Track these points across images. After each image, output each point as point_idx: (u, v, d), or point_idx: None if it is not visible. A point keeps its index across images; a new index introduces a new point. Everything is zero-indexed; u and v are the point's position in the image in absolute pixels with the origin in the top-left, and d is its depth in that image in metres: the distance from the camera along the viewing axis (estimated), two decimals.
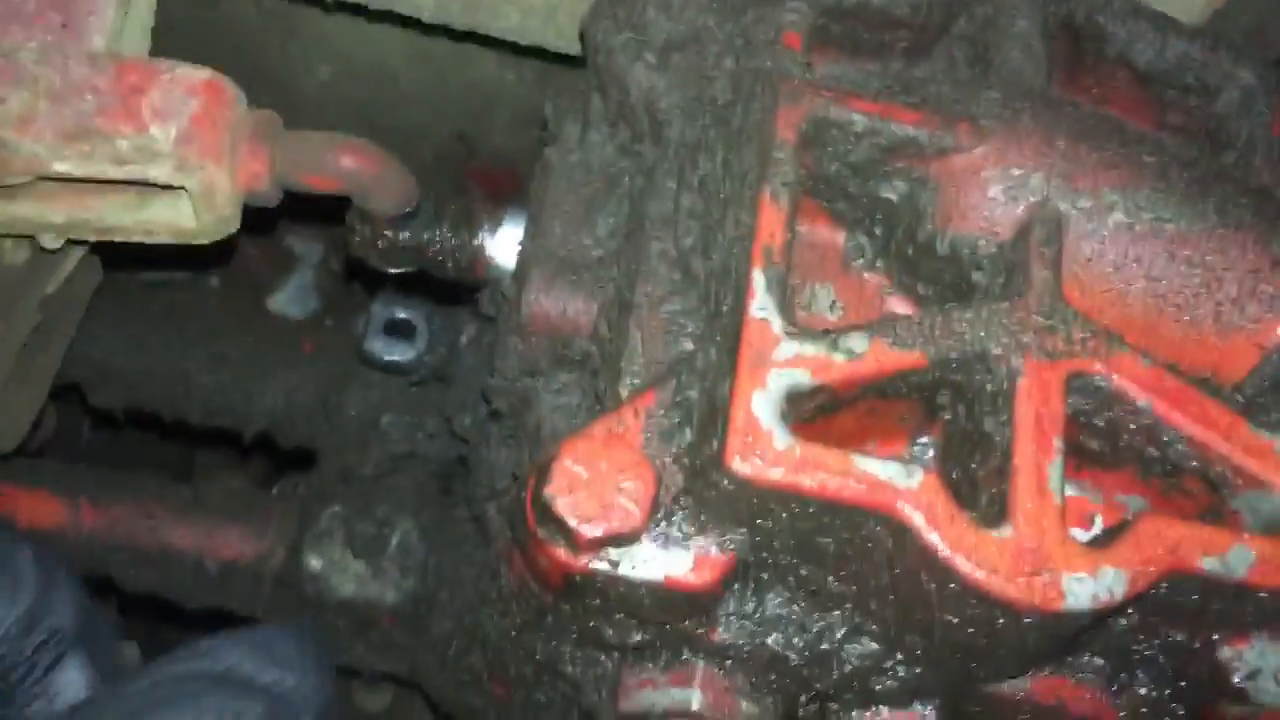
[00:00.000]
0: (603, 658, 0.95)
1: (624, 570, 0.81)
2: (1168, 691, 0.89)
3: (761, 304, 0.80)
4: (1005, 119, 0.89)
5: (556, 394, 1.02)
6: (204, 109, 0.98)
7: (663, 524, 0.82)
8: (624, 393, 0.89)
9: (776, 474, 0.76)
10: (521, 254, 1.04)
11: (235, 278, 1.88)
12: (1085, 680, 0.90)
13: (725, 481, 0.77)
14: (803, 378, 0.79)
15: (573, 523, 0.79)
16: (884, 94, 0.92)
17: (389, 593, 1.33)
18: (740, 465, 0.76)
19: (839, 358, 0.79)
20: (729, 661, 0.90)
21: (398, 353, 1.30)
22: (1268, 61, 1.00)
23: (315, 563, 1.33)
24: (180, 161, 0.96)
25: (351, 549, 1.33)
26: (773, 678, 0.90)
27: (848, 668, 0.88)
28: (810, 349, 0.79)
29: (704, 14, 0.98)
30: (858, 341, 0.80)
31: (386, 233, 1.08)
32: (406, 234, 1.09)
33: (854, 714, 0.91)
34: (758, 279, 0.81)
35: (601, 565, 0.81)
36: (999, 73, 0.94)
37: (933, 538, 0.75)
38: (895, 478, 0.76)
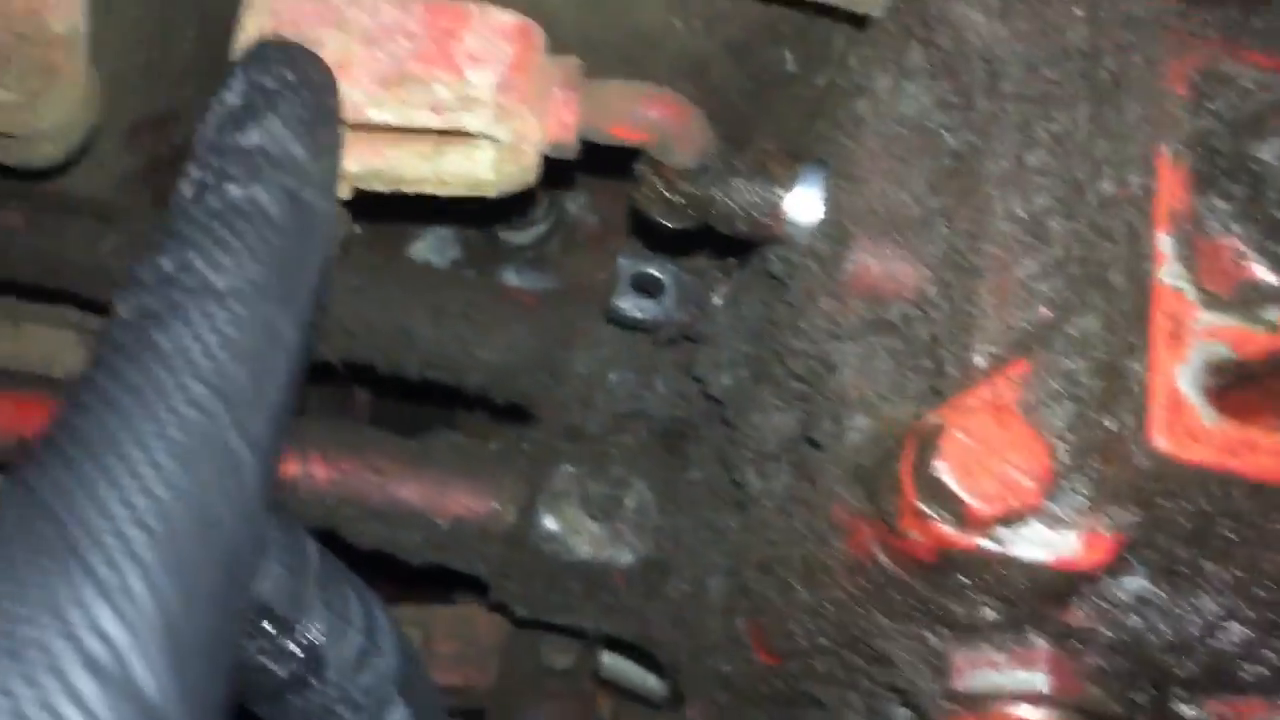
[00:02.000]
0: (930, 635, 0.91)
1: (1011, 549, 0.77)
2: None
3: (1173, 271, 0.76)
4: None
5: (864, 359, 0.98)
6: (519, 55, 0.94)
7: (1053, 502, 0.78)
8: (980, 361, 0.85)
9: (1204, 454, 0.72)
10: (834, 211, 0.99)
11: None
12: None
13: (1144, 459, 0.73)
14: (1222, 350, 0.74)
15: (966, 497, 0.75)
16: (1270, 39, 0.86)
17: (624, 555, 1.30)
18: (1165, 443, 0.72)
19: (1259, 330, 0.75)
20: (1078, 644, 0.86)
21: (646, 310, 1.26)
22: None
23: (551, 523, 1.30)
24: (497, 110, 0.93)
25: (586, 510, 1.30)
26: (1127, 662, 0.86)
27: (1212, 656, 0.84)
28: (1227, 320, 0.75)
29: None
30: (1277, 313, 0.75)
31: (681, 186, 1.04)
32: (699, 188, 1.04)
33: (1205, 701, 0.88)
34: (1166, 243, 0.77)
35: (987, 543, 0.77)
36: None
37: None
38: None
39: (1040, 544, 0.78)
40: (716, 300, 1.25)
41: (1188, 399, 0.72)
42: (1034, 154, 0.90)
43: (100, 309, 1.44)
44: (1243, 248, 0.90)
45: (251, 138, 0.78)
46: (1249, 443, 0.71)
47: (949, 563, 0.80)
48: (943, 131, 0.98)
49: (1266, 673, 0.84)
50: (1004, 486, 0.76)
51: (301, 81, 0.82)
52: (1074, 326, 0.82)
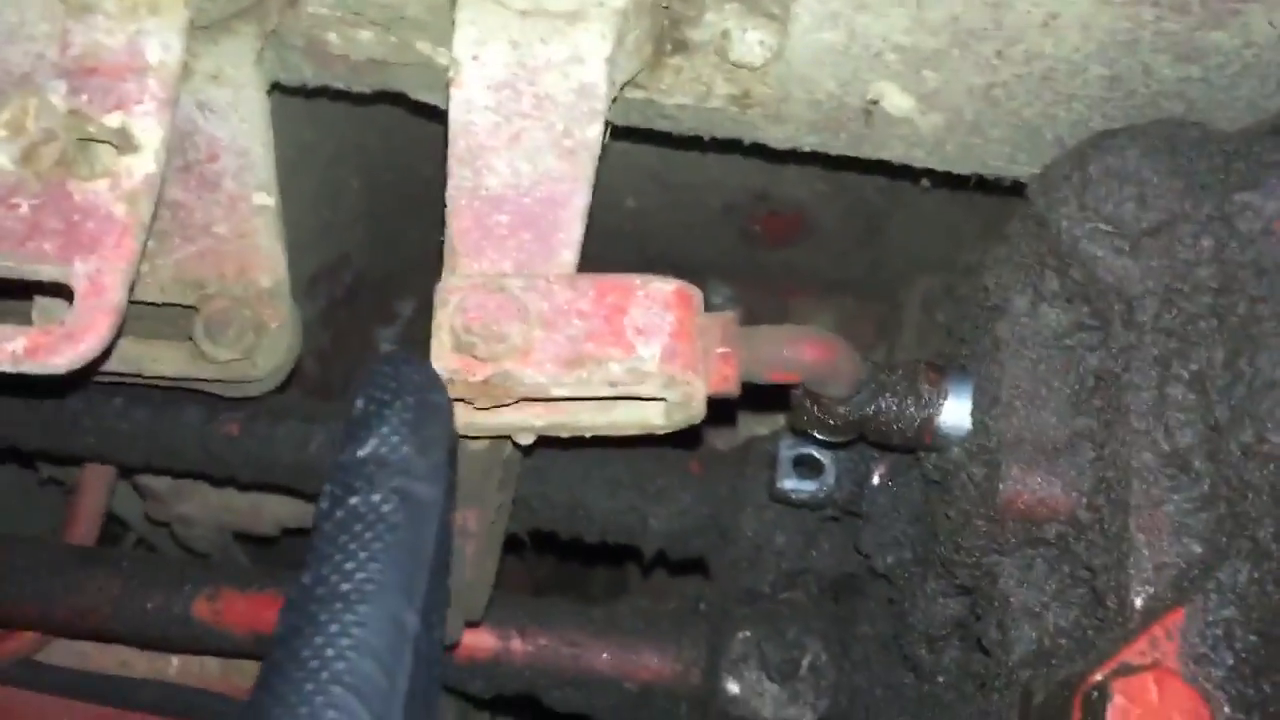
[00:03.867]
0: None
1: None
2: None
3: None
4: None
5: (1024, 570, 1.04)
6: (680, 322, 1.03)
7: None
8: (1138, 601, 0.91)
9: None
10: (982, 434, 1.06)
11: None
12: None
13: None
14: None
15: None
16: None
17: (805, 714, 1.38)
18: None
19: None
20: None
21: (808, 489, 1.34)
22: None
23: (733, 687, 1.39)
24: (667, 379, 1.02)
25: (766, 673, 1.39)
26: None
27: None
28: None
29: (1180, 199, 0.97)
30: None
31: (837, 410, 1.11)
32: (854, 410, 1.12)
33: None
34: None
35: None
36: None
37: None
38: None
39: None
40: (875, 478, 1.32)
41: None
42: (1174, 388, 0.95)
43: (312, 498, 1.58)
44: None
45: (368, 447, 0.92)
46: None
47: None
48: (1083, 352, 1.04)
49: None
50: None
51: (407, 388, 0.96)
52: (1226, 573, 0.87)
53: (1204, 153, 0.97)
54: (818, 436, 1.16)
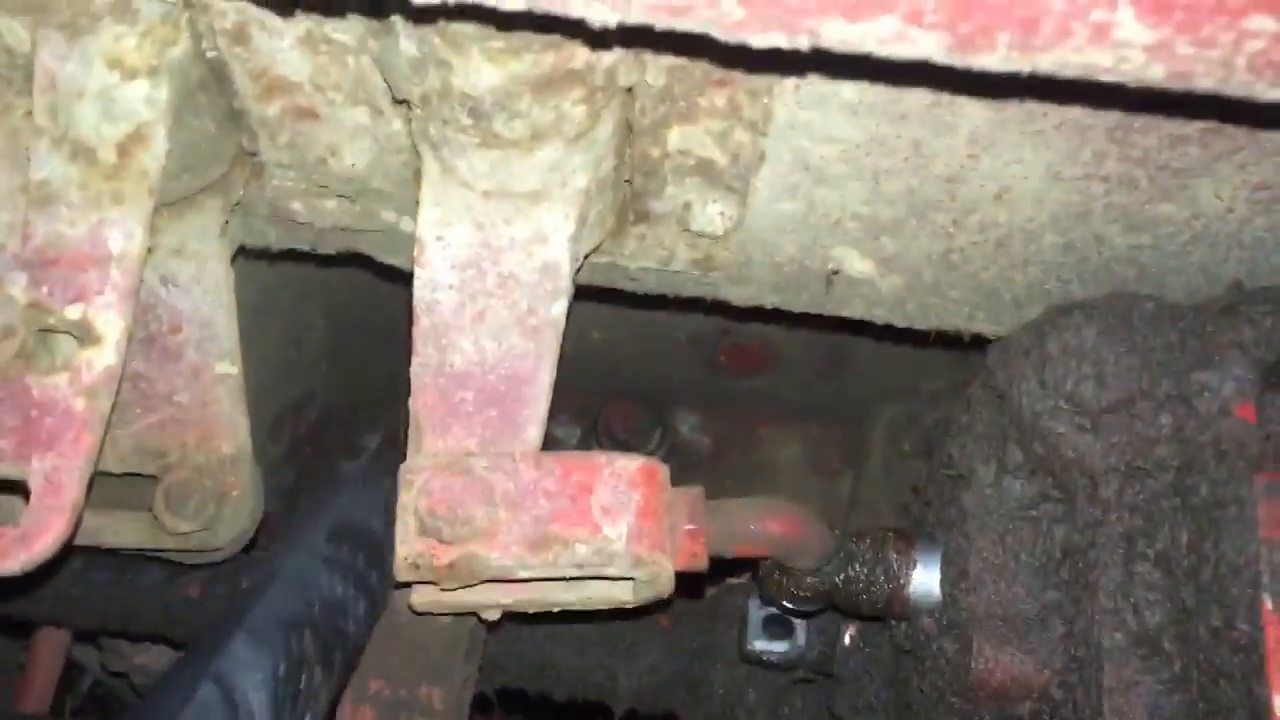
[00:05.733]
0: None
1: None
2: None
3: None
4: None
5: None
6: (646, 500, 1.03)
7: None
8: None
9: None
10: (952, 609, 1.05)
11: None
12: None
13: None
14: None
15: None
16: None
17: None
18: None
19: None
20: None
21: (778, 650, 1.33)
22: None
23: None
24: (634, 559, 1.01)
25: None
26: None
27: None
28: None
29: (1138, 377, 0.98)
30: None
31: (805, 581, 1.11)
32: (822, 580, 1.11)
33: None
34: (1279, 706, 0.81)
35: None
36: None
37: None
38: None
39: None
40: (846, 639, 1.31)
41: None
42: (1141, 566, 0.95)
43: None
44: None
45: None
46: None
47: None
48: (1049, 523, 1.04)
49: None
50: None
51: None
52: None
53: (1159, 329, 0.99)
54: (787, 606, 1.15)
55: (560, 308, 1.08)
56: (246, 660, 0.94)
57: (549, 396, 1.10)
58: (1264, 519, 0.86)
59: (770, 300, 1.34)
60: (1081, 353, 0.99)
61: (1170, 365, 0.98)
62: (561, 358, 1.10)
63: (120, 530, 1.25)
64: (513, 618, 1.14)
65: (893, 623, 1.15)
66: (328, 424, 2.24)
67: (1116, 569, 0.96)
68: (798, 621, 1.33)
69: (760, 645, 1.33)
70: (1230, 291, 1.03)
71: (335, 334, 2.10)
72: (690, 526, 1.04)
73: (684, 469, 2.12)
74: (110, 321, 0.96)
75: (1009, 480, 1.06)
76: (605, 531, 1.01)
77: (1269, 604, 0.84)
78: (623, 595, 1.08)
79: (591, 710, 1.55)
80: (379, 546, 1.06)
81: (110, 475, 1.25)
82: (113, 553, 1.36)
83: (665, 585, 1.05)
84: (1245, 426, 0.92)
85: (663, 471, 1.06)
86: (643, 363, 2.18)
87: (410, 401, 1.08)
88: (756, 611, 1.34)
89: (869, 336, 1.98)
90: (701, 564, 1.05)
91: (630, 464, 1.04)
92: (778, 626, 1.34)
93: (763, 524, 1.06)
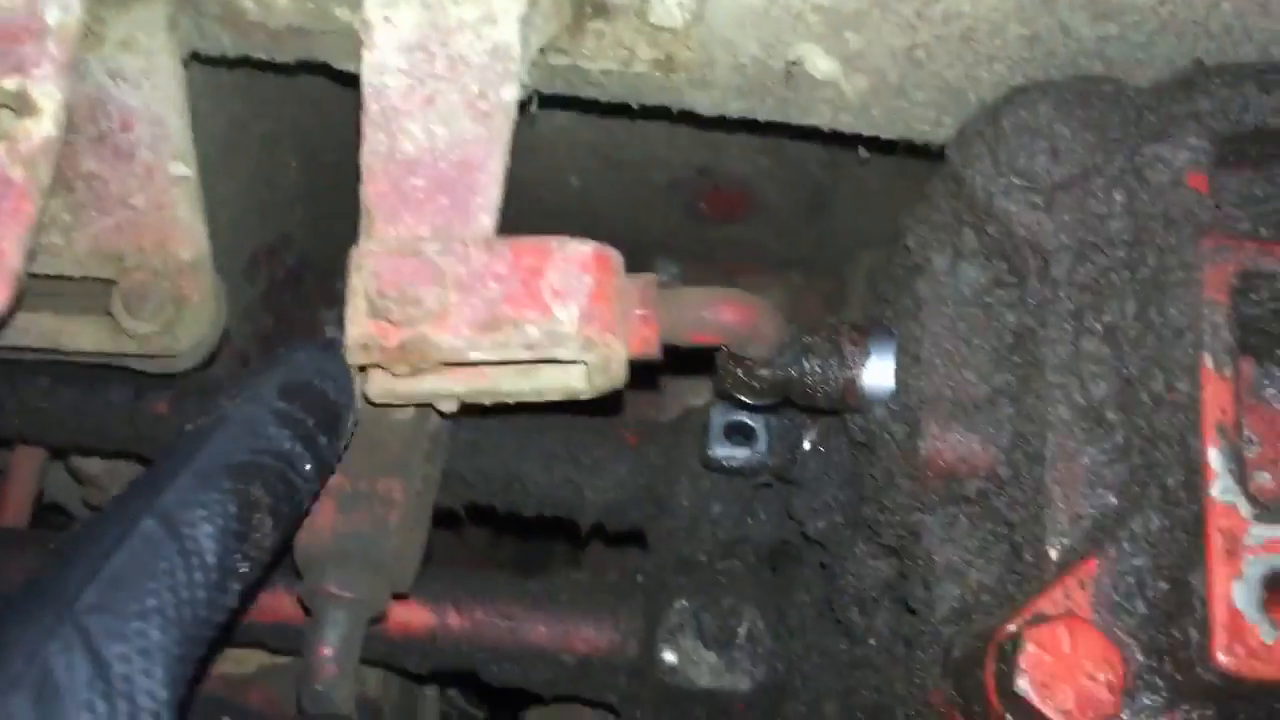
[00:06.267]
0: None
1: None
2: None
3: (1224, 486, 0.81)
4: None
5: (947, 527, 1.04)
6: (598, 284, 1.02)
7: (1130, 703, 0.83)
8: (1053, 553, 0.91)
9: (1267, 670, 0.76)
10: (904, 393, 1.05)
11: None
12: None
13: (1209, 675, 0.78)
14: (1276, 562, 0.79)
15: (1046, 713, 0.81)
16: None
17: (742, 681, 1.38)
18: (1228, 661, 0.77)
19: None
20: None
21: (740, 456, 1.33)
22: None
23: (670, 656, 1.39)
24: (585, 342, 1.01)
25: (703, 641, 1.38)
26: None
27: None
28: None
29: (1092, 153, 0.97)
30: None
31: (759, 372, 1.11)
32: (777, 372, 1.11)
33: None
34: (1214, 458, 0.81)
35: None
36: None
37: None
38: None
39: None
40: (806, 444, 1.32)
41: (1247, 617, 0.77)
42: (1089, 342, 0.95)
43: None
44: None
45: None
46: None
47: None
48: (1002, 309, 1.04)
49: None
50: (1083, 699, 0.81)
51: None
52: (1138, 523, 0.87)
53: (1116, 106, 0.97)
54: (742, 400, 1.15)
55: (511, 93, 1.06)
56: (192, 500, 0.89)
57: (502, 184, 1.08)
58: (1208, 281, 0.86)
59: (734, 107, 1.32)
60: (1035, 128, 0.97)
61: (1126, 141, 0.96)
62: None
63: (79, 334, 1.25)
64: (475, 415, 1.15)
65: (848, 417, 1.15)
66: (306, 271, 2.23)
67: (1064, 345, 0.96)
68: (759, 428, 1.33)
69: (722, 451, 1.33)
70: (1190, 68, 1.01)
71: (311, 177, 2.07)
72: (642, 311, 1.04)
73: None
74: (48, 94, 0.95)
75: (964, 266, 1.05)
76: (556, 313, 1.01)
77: (1208, 362, 0.84)
78: (577, 384, 1.08)
79: (559, 526, 1.57)
80: (333, 413, 1.04)
81: (69, 280, 1.24)
82: (80, 370, 1.37)
83: (618, 372, 1.05)
84: (1196, 196, 0.91)
85: (615, 258, 1.05)
86: (622, 210, 2.16)
87: (360, 189, 1.06)
88: (719, 419, 1.35)
89: (848, 182, 1.97)
90: (654, 350, 1.05)
91: (583, 248, 1.04)
92: (739, 434, 1.35)
93: (716, 311, 1.05)
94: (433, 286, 1.00)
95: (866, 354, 1.10)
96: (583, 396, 1.10)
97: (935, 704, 0.97)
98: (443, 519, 1.56)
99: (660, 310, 1.05)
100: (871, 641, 1.22)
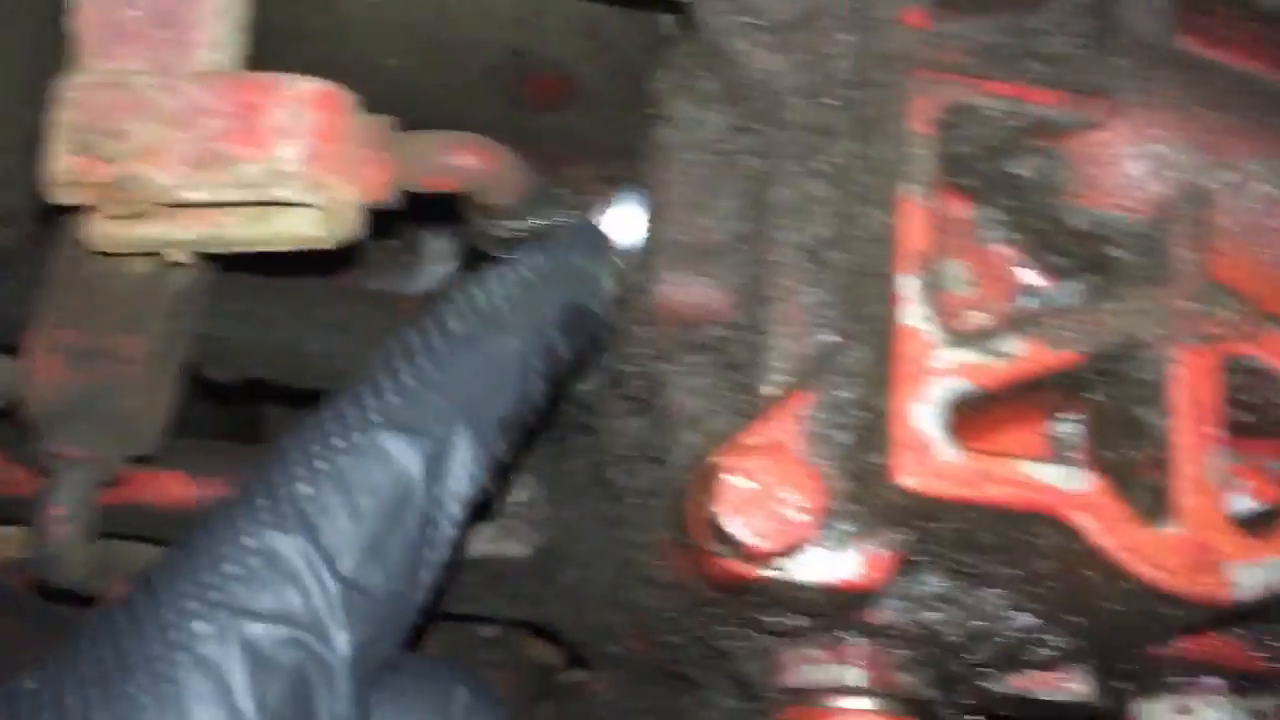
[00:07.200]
0: (758, 637, 0.99)
1: (796, 576, 0.84)
2: None
3: (914, 311, 0.81)
4: (1141, 91, 0.88)
5: (687, 376, 1.04)
6: (323, 122, 0.98)
7: (830, 529, 0.84)
8: (770, 390, 0.91)
9: (945, 487, 0.78)
10: (644, 240, 1.04)
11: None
12: (1237, 634, 0.93)
13: (894, 496, 0.79)
14: (962, 385, 0.80)
15: (745, 539, 0.82)
16: (1012, 63, 0.90)
17: (517, 547, 1.37)
18: (908, 480, 0.78)
19: (996, 362, 0.80)
20: (887, 639, 0.93)
21: None
22: None
23: None
24: (307, 181, 0.97)
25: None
26: (930, 651, 0.93)
27: (1004, 641, 0.91)
28: (966, 355, 0.80)
29: None
30: (1013, 344, 0.81)
31: (504, 223, 1.08)
32: (524, 221, 1.09)
33: (1006, 679, 0.95)
34: (907, 285, 0.82)
35: (774, 574, 0.84)
36: (1122, 32, 0.92)
37: (1101, 538, 0.77)
38: (1064, 483, 0.78)
39: (822, 569, 0.84)
40: None
41: (929, 436, 0.78)
42: (814, 184, 0.95)
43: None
44: (1018, 255, 0.96)
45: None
46: (985, 473, 0.77)
47: (746, 589, 0.87)
48: (743, 155, 1.02)
49: (1051, 654, 0.92)
50: (779, 524, 0.82)
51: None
52: (849, 357, 0.88)
53: None
54: (494, 254, 1.13)
55: None
56: (461, 458, 0.85)
57: (232, 19, 1.03)
58: (914, 113, 0.85)
59: None
60: None
61: None
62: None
63: None
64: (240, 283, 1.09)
65: None
66: None
67: (792, 187, 0.95)
68: None
69: None
70: None
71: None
72: (374, 153, 1.00)
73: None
74: None
75: (706, 113, 1.03)
76: (277, 151, 0.96)
77: (908, 192, 0.84)
78: (311, 230, 1.04)
79: None
80: (594, 344, 1.01)
81: None
82: None
83: (352, 217, 1.01)
84: (914, 33, 0.90)
85: (347, 97, 1.01)
86: (441, 96, 2.09)
87: (69, 19, 1.00)
88: None
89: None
90: (387, 195, 1.02)
91: (309, 85, 0.99)
92: None
93: (454, 154, 1.02)
94: (143, 122, 0.95)
95: (610, 204, 1.08)
96: (325, 245, 1.06)
97: (659, 549, 0.98)
98: (209, 390, 1.51)
99: (394, 153, 1.01)
100: (631, 499, 1.22)
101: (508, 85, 2.08)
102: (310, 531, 0.77)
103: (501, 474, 0.92)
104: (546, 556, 1.38)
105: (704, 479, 0.84)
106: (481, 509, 0.94)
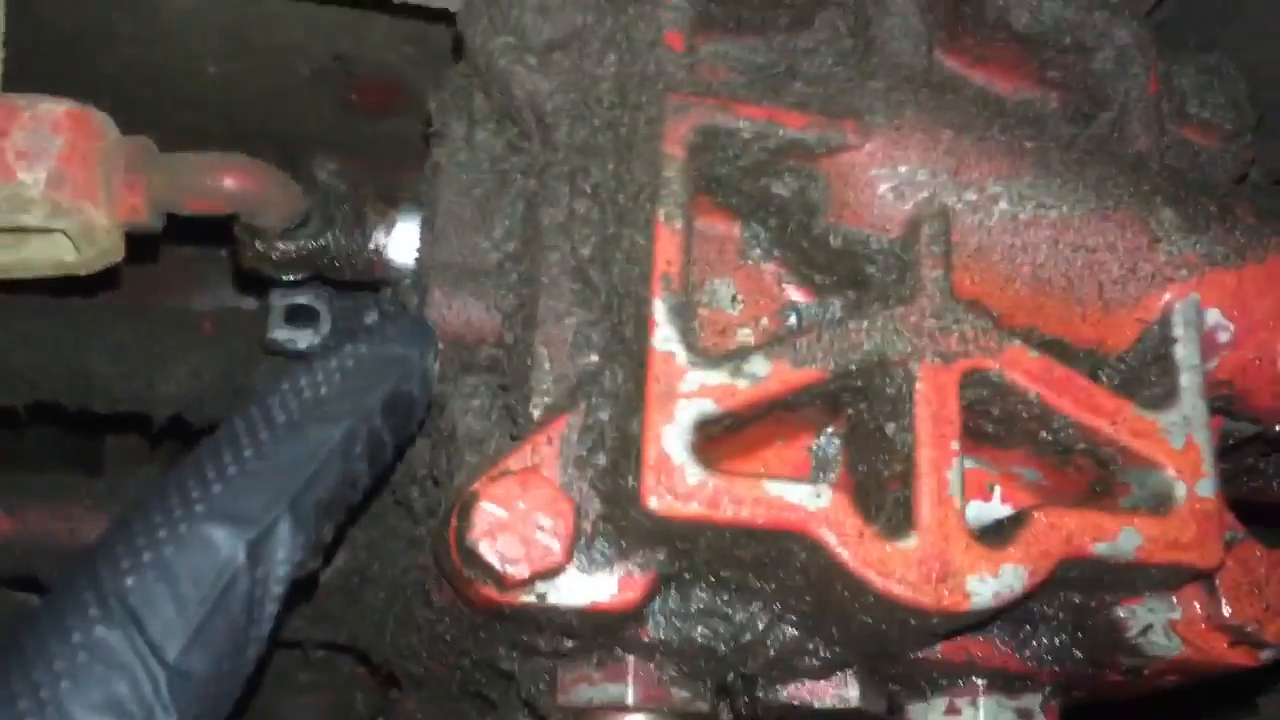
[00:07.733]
0: (539, 657, 0.98)
1: (551, 600, 0.84)
2: (1068, 640, 0.96)
3: (665, 335, 0.81)
4: (890, 114, 0.90)
5: (467, 398, 1.03)
6: (71, 145, 0.94)
7: (585, 551, 0.84)
8: (535, 413, 0.91)
9: (691, 508, 0.78)
10: (419, 263, 1.03)
11: None
12: (991, 636, 0.96)
13: (643, 519, 0.79)
14: (709, 407, 0.81)
15: (497, 566, 0.81)
16: (769, 84, 0.91)
17: (322, 568, 1.35)
18: (655, 503, 0.78)
19: (742, 383, 0.81)
20: (659, 655, 0.94)
21: (303, 339, 1.28)
22: (1141, 17, 1.01)
23: None
24: (53, 206, 0.93)
25: None
26: (702, 664, 0.94)
27: (772, 653, 0.93)
28: (714, 377, 0.81)
29: (582, 11, 0.95)
30: (759, 365, 0.82)
31: (278, 244, 1.06)
32: (299, 244, 1.07)
33: (779, 688, 0.97)
34: (658, 309, 0.82)
35: (529, 598, 0.84)
36: (880, 53, 0.94)
37: (843, 554, 0.79)
38: (805, 500, 0.79)
39: (577, 591, 0.84)
40: (370, 323, 1.28)
41: (675, 459, 0.78)
42: (580, 203, 0.95)
43: None
44: (783, 272, 0.98)
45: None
46: (730, 494, 0.78)
47: (506, 615, 0.86)
48: (516, 175, 1.02)
49: (817, 663, 0.93)
50: (531, 551, 0.82)
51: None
52: (608, 377, 0.88)
53: None
54: (269, 275, 1.10)
55: None
56: (281, 537, 0.86)
57: None
58: (668, 135, 0.86)
59: None
60: None
61: (620, 4, 0.95)
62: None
63: None
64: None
65: (382, 291, 1.12)
66: None
67: (560, 207, 0.95)
68: (322, 309, 1.28)
69: (282, 335, 1.28)
70: None
71: None
72: (128, 176, 0.97)
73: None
74: None
75: (479, 132, 1.03)
76: (20, 176, 0.92)
77: (660, 215, 0.84)
78: (67, 256, 1.00)
79: (136, 422, 1.48)
80: (415, 426, 1.02)
81: None
82: None
83: (108, 243, 0.97)
84: (671, 54, 0.91)
85: (98, 119, 0.97)
86: (270, 102, 2.04)
87: None
88: (279, 302, 1.29)
89: None
90: (144, 218, 0.98)
91: (55, 107, 0.95)
92: (302, 317, 1.29)
93: (216, 176, 0.99)
94: None
95: (392, 224, 1.07)
96: (80, 271, 1.02)
97: (430, 574, 0.97)
98: (2, 418, 1.45)
99: (152, 175, 0.97)
100: (430, 521, 1.20)
101: (337, 90, 2.04)
102: (137, 624, 0.79)
103: (324, 552, 0.94)
104: (350, 578, 1.36)
105: (463, 505, 0.83)
106: (307, 584, 0.95)
